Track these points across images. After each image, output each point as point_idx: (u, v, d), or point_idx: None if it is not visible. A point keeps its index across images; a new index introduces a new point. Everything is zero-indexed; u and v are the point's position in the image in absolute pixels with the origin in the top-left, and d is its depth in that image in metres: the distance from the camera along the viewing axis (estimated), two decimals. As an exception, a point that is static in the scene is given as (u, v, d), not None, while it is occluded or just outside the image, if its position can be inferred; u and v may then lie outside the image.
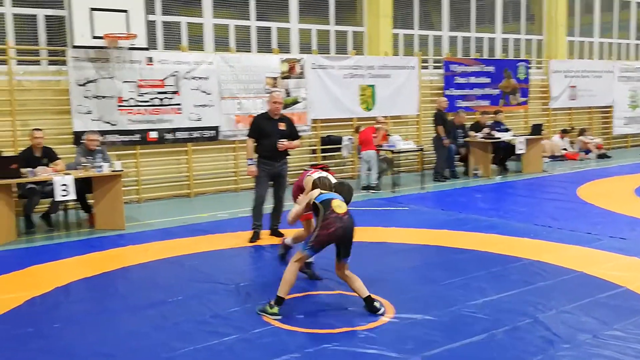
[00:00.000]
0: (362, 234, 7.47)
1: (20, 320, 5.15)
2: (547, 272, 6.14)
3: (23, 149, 8.91)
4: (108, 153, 9.35)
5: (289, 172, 8.10)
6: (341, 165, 13.25)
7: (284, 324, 4.89)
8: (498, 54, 16.19)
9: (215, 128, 11.41)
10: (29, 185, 8.39)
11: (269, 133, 7.64)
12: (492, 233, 7.84)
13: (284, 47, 12.81)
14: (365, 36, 14.05)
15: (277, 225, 7.93)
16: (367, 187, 11.46)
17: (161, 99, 10.83)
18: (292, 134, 7.86)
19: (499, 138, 13.08)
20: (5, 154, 8.79)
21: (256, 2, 12.52)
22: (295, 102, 12.31)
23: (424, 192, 11.39)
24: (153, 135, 10.81)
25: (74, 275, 6.45)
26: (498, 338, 4.55)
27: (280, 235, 7.64)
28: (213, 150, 11.62)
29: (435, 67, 14.88)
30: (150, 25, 10.75)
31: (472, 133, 13.33)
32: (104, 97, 10.28)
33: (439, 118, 12.71)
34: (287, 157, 7.91)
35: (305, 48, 13.12)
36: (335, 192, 5.43)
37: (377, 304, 5.15)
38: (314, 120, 12.67)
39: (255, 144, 7.76)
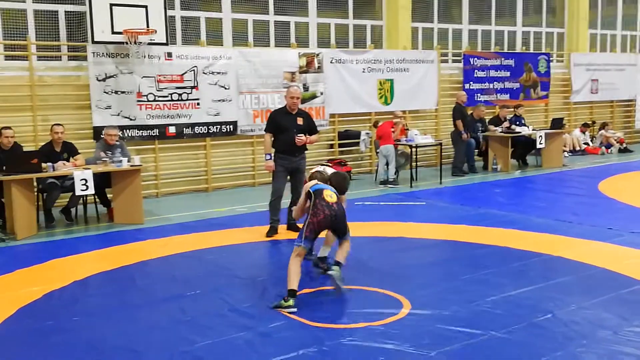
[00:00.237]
0: (379, 229, 7.49)
1: (39, 314, 5.20)
2: (567, 268, 6.08)
3: (43, 143, 8.99)
4: (127, 148, 9.41)
5: (306, 167, 8.08)
6: (359, 160, 13.22)
7: (302, 318, 4.89)
8: (518, 47, 16.02)
9: (234, 123, 11.43)
10: (50, 180, 8.48)
11: (286, 128, 7.63)
12: (511, 228, 7.78)
13: (302, 42, 12.79)
14: (384, 30, 13.98)
15: (294, 220, 7.93)
16: (384, 182, 11.42)
17: (180, 94, 10.87)
18: (311, 128, 7.85)
19: (519, 132, 12.96)
20: (26, 149, 8.87)
21: (274, -3, 12.53)
22: (314, 96, 12.30)
23: (442, 187, 11.32)
24: (172, 130, 10.86)
25: (93, 269, 6.50)
26: (517, 334, 4.51)
27: (298, 230, 7.61)
28: (231, 145, 11.64)
29: (455, 61, 14.76)
30: (170, 21, 10.79)
31: (491, 127, 13.22)
32: (123, 92, 10.35)
33: (458, 112, 12.62)
34: (305, 151, 7.90)
35: (323, 42, 13.09)
36: (331, 183, 5.75)
37: (335, 268, 5.46)
38: (332, 115, 12.64)
39: (273, 139, 7.76)
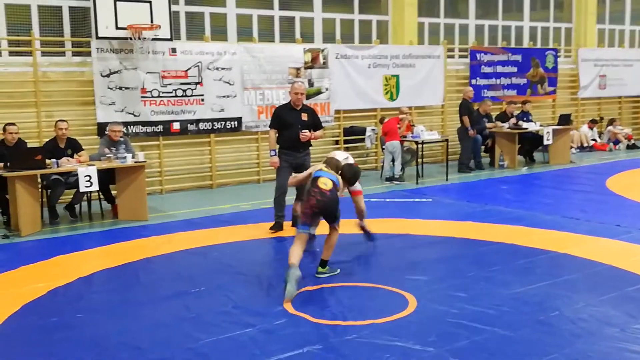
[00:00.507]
0: (385, 226, 7.46)
1: (44, 310, 5.19)
2: (574, 265, 6.04)
3: (47, 140, 8.98)
4: (131, 144, 9.38)
5: (311, 163, 8.04)
6: (364, 157, 13.17)
7: (307, 315, 4.86)
8: (526, 43, 15.93)
9: (238, 119, 11.40)
10: (54, 176, 8.46)
11: (291, 124, 7.59)
12: (518, 225, 7.73)
13: (307, 37, 12.73)
14: (390, 25, 13.91)
15: (298, 214, 7.92)
16: (390, 178, 11.37)
17: (184, 90, 10.84)
18: (315, 124, 7.81)
19: (526, 128, 12.88)
20: (30, 145, 8.86)
21: (279, -8, 12.49)
22: (319, 92, 12.24)
23: (448, 183, 11.27)
24: (176, 126, 10.83)
25: (97, 265, 6.49)
26: (523, 331, 4.47)
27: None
28: (235, 141, 11.61)
29: (461, 56, 14.67)
30: (174, 16, 10.76)
31: (498, 123, 13.15)
32: (127, 88, 10.32)
33: (465, 108, 12.54)
34: (310, 147, 7.86)
35: (328, 38, 13.04)
36: (340, 172, 6.01)
37: (320, 270, 5.84)
38: (337, 111, 12.59)
39: (277, 135, 7.72)
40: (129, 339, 4.54)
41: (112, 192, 9.06)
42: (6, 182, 8.06)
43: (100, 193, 9.06)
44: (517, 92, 15.01)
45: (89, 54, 10.12)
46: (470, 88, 13.24)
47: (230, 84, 11.24)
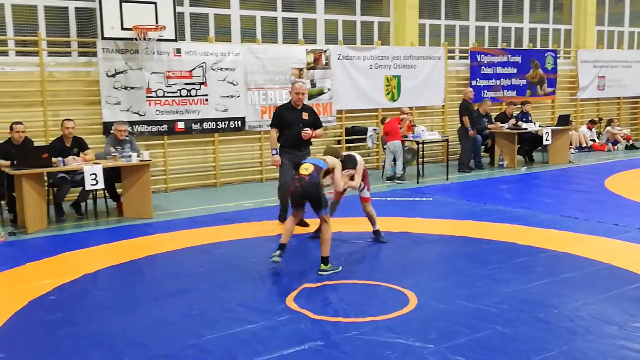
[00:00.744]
0: (386, 224, 7.53)
1: (50, 307, 5.26)
2: (573, 264, 6.11)
3: (54, 138, 9.07)
4: (136, 143, 9.47)
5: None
6: (365, 156, 13.25)
7: (308, 311, 4.94)
8: (525, 44, 16.01)
9: (242, 119, 11.49)
10: (60, 175, 8.55)
11: (292, 123, 7.69)
12: (518, 224, 7.80)
13: (310, 38, 12.83)
14: (392, 26, 14.00)
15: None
16: (391, 178, 11.46)
17: (188, 90, 10.93)
18: (315, 123, 7.91)
19: (526, 129, 12.97)
20: (36, 144, 8.95)
21: (282, -7, 12.58)
22: (321, 92, 12.33)
23: (448, 182, 11.35)
24: (180, 125, 10.92)
25: (102, 262, 6.57)
26: (522, 329, 4.54)
27: (306, 224, 7.72)
28: (239, 140, 11.70)
29: (462, 58, 14.76)
30: (179, 17, 10.85)
31: (498, 124, 13.23)
32: (132, 88, 10.41)
33: (465, 109, 12.63)
34: (310, 146, 7.96)
35: (331, 39, 13.12)
36: (343, 161, 6.43)
37: (322, 268, 5.88)
38: (339, 111, 12.68)
39: (278, 134, 7.82)
40: (134, 336, 4.60)
41: (118, 190, 9.15)
42: (13, 180, 8.15)
43: (106, 191, 9.14)
44: (517, 93, 15.09)
45: (94, 54, 10.21)
46: (471, 89, 13.33)
47: (233, 84, 11.34)
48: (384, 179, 11.68)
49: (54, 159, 8.19)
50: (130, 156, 8.63)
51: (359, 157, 6.92)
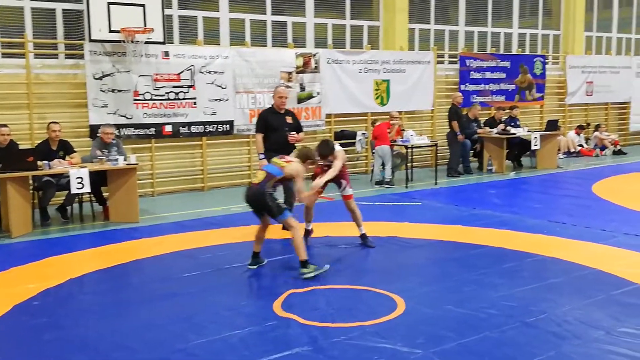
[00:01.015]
0: (375, 229, 7.52)
1: (35, 311, 5.21)
2: (560, 269, 6.12)
3: (40, 141, 8.99)
4: (123, 146, 9.41)
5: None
6: (355, 160, 13.25)
7: (296, 316, 4.91)
8: (514, 49, 16.08)
9: (230, 122, 11.44)
10: (45, 178, 8.48)
11: (277, 127, 7.75)
12: (506, 229, 7.82)
13: (299, 42, 12.81)
14: (381, 31, 14.01)
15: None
16: (380, 182, 11.46)
17: (177, 93, 10.88)
18: (298, 127, 7.99)
19: (514, 134, 13.01)
20: (22, 147, 8.87)
21: (272, -3, 12.56)
22: (310, 96, 12.32)
23: (437, 187, 11.36)
24: (168, 129, 10.87)
25: (88, 267, 6.51)
26: (510, 334, 4.54)
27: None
28: (227, 144, 11.66)
29: (451, 62, 14.81)
30: (167, 20, 10.79)
31: (486, 129, 13.27)
32: (120, 90, 10.35)
33: (454, 113, 12.65)
34: (295, 149, 7.97)
35: (320, 42, 13.12)
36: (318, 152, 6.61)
37: (302, 271, 5.84)
38: (328, 115, 12.67)
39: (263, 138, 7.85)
40: (120, 339, 4.57)
41: (104, 194, 9.07)
42: (-2, 183, 8.07)
43: (92, 195, 9.08)
44: (506, 98, 15.15)
45: (82, 56, 10.14)
46: (460, 93, 13.37)
47: (222, 88, 11.29)
48: (373, 183, 11.68)
49: (39, 162, 8.11)
50: (116, 160, 8.57)
51: (339, 147, 6.93)
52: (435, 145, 12.41)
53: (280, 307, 5.16)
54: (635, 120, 17.90)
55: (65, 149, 8.83)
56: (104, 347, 4.44)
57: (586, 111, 17.34)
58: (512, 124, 13.49)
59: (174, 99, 10.86)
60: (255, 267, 6.28)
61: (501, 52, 15.68)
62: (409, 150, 11.79)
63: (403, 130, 12.09)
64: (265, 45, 12.43)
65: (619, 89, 17.48)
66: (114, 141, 9.10)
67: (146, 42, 10.28)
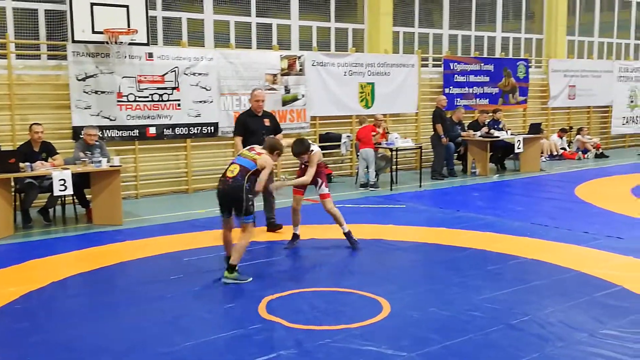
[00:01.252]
0: (359, 231, 7.52)
1: (17, 315, 5.16)
2: (543, 271, 6.17)
3: (22, 143, 8.90)
4: (107, 148, 9.34)
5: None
6: (340, 163, 13.27)
7: (281, 319, 4.91)
8: (498, 53, 16.19)
9: (215, 124, 11.41)
10: (27, 180, 8.40)
11: (254, 130, 7.82)
12: (489, 231, 7.86)
13: (284, 44, 12.81)
14: (366, 33, 14.05)
15: (273, 218, 8.03)
16: (365, 185, 11.48)
17: (160, 95, 10.82)
18: (276, 129, 8.08)
19: (498, 137, 13.10)
20: (4, 148, 8.77)
21: (256, -1, 12.55)
22: (295, 99, 12.31)
23: (421, 190, 11.40)
24: (152, 130, 10.81)
25: (71, 270, 6.47)
26: (494, 336, 4.56)
27: (279, 227, 7.89)
28: (212, 146, 11.61)
29: (435, 65, 14.88)
30: (151, 21, 10.73)
31: (470, 132, 13.34)
32: (103, 92, 10.28)
33: (438, 116, 12.71)
34: None
35: (305, 45, 13.12)
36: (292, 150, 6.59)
37: (232, 276, 5.78)
38: (313, 117, 12.68)
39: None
40: (103, 343, 4.54)
41: (87, 196, 9.00)
42: (-21, 185, 7.97)
43: (75, 197, 9.00)
44: (489, 101, 15.25)
45: (64, 57, 10.06)
46: (444, 97, 13.44)
47: (207, 90, 11.26)
48: (358, 185, 11.70)
49: (21, 164, 8.03)
50: (100, 161, 8.51)
51: (316, 148, 6.94)
52: (420, 148, 12.45)
53: (265, 310, 5.15)
54: (617, 123, 18.10)
55: (48, 150, 8.75)
56: (88, 351, 4.41)
57: (569, 114, 17.50)
58: (496, 127, 13.57)
59: (158, 101, 10.80)
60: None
61: (485, 55, 15.79)
62: (394, 152, 11.83)
63: (388, 132, 12.13)
64: (250, 47, 12.42)
65: (601, 93, 17.66)
66: (97, 143, 9.05)
67: (130, 44, 10.22)
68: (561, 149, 16.04)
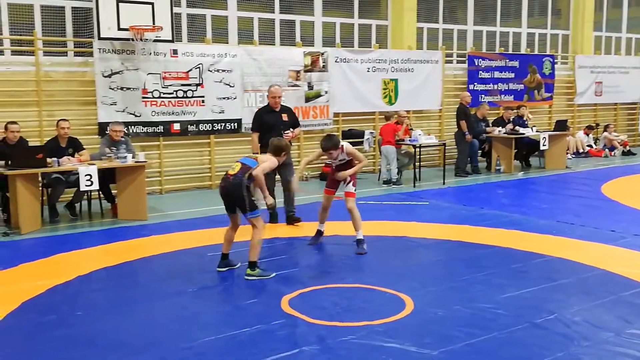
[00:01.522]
0: (382, 228, 7.51)
1: (43, 308, 5.22)
2: (569, 270, 6.09)
3: (49, 139, 9.02)
4: (132, 144, 9.43)
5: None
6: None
7: (304, 315, 4.91)
8: (523, 49, 16.02)
9: (238, 120, 11.46)
10: (54, 175, 8.51)
11: (272, 125, 7.89)
12: (514, 229, 7.79)
13: (307, 41, 12.81)
14: (389, 30, 13.99)
15: (293, 211, 8.06)
16: (388, 182, 11.45)
17: (185, 91, 10.90)
18: (295, 123, 8.15)
19: (523, 134, 12.97)
20: (31, 144, 8.90)
21: (280, -5, 12.56)
22: (318, 95, 12.31)
23: (445, 187, 11.33)
24: (176, 127, 10.89)
25: (96, 264, 6.54)
26: (518, 334, 4.52)
27: (298, 220, 7.95)
28: (235, 142, 11.65)
29: (459, 62, 14.77)
30: (176, 18, 10.80)
31: (495, 128, 13.22)
32: (128, 88, 10.37)
33: (462, 113, 12.62)
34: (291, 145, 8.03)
35: (328, 41, 13.11)
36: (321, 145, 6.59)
37: (254, 272, 5.84)
38: (336, 114, 12.66)
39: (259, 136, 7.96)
40: (127, 338, 4.57)
41: (112, 191, 9.10)
42: (7, 180, 8.09)
43: (101, 192, 9.10)
44: (514, 98, 15.10)
45: (91, 54, 10.17)
46: (468, 93, 13.32)
47: (230, 86, 11.31)
48: (381, 182, 11.66)
49: (48, 160, 8.14)
50: (125, 157, 8.59)
51: (346, 143, 6.86)
52: (443, 144, 12.38)
53: (287, 305, 5.16)
54: (645, 120, 17.82)
55: (74, 146, 8.86)
56: (110, 345, 4.45)
57: (595, 111, 17.26)
58: (520, 123, 13.44)
59: (182, 97, 10.87)
60: (224, 269, 6.14)
61: (510, 51, 15.62)
62: (417, 149, 11.77)
63: (411, 129, 12.08)
64: (274, 44, 12.43)
65: (628, 89, 17.39)
66: (123, 139, 9.14)
67: (155, 40, 10.31)
68: (587, 146, 15.83)
